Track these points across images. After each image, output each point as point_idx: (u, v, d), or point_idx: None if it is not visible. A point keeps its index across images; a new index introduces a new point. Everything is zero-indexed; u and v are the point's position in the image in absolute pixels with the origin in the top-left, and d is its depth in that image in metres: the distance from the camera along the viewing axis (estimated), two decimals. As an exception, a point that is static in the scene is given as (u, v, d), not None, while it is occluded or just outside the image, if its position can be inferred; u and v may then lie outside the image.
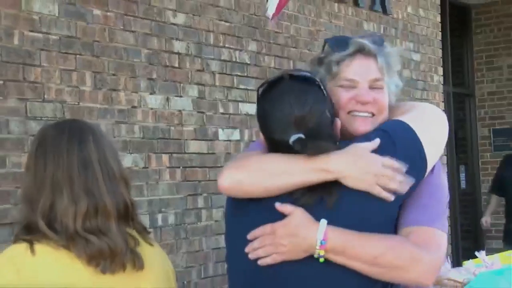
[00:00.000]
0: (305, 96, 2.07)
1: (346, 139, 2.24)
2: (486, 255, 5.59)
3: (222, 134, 5.64)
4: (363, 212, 2.09)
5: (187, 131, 5.38)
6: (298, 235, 2.04)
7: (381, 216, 2.11)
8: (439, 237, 2.15)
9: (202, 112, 5.52)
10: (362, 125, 2.21)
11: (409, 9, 8.29)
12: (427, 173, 2.18)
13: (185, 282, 5.25)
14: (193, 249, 5.35)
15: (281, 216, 2.07)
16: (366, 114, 2.22)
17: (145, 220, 4.98)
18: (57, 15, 4.54)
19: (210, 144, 5.57)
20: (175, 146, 5.28)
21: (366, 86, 2.22)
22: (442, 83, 8.86)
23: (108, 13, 4.86)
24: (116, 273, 1.96)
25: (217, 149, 5.60)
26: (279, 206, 2.07)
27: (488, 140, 10.65)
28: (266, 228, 2.08)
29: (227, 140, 5.70)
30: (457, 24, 10.56)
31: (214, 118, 5.61)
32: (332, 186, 2.08)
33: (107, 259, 1.94)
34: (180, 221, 5.26)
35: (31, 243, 1.92)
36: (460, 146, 10.56)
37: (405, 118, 2.21)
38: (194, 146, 5.43)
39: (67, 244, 1.92)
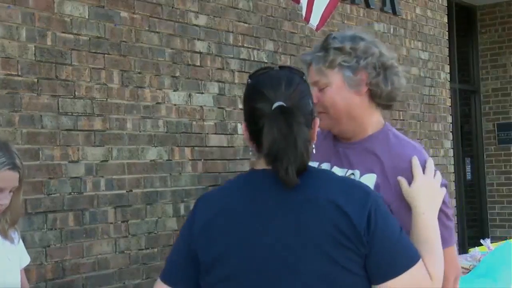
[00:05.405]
0: (292, 78, 2.04)
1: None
2: (491, 243, 5.57)
3: (241, 129, 5.61)
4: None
5: (208, 125, 5.37)
6: None
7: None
8: (456, 252, 2.32)
9: (222, 108, 5.51)
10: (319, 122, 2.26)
11: (418, 10, 8.24)
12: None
13: (206, 267, 5.25)
14: (214, 236, 5.34)
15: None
16: (319, 112, 2.33)
17: (168, 209, 5.00)
18: (87, 17, 4.54)
19: (230, 138, 5.56)
20: (197, 140, 5.28)
21: (316, 89, 2.35)
22: (449, 80, 8.79)
23: (134, 15, 4.86)
24: None
25: (236, 143, 5.59)
26: None
27: (493, 134, 10.58)
28: None
29: (246, 134, 5.69)
30: (463, 24, 10.48)
31: (234, 114, 5.60)
32: None
33: None
34: (201, 210, 5.25)
35: None
36: (466, 139, 10.50)
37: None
38: (215, 140, 5.42)
39: None
